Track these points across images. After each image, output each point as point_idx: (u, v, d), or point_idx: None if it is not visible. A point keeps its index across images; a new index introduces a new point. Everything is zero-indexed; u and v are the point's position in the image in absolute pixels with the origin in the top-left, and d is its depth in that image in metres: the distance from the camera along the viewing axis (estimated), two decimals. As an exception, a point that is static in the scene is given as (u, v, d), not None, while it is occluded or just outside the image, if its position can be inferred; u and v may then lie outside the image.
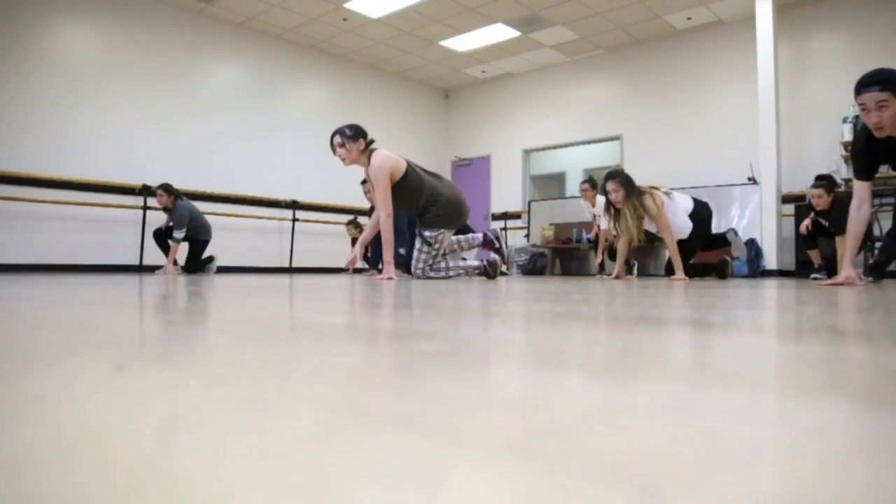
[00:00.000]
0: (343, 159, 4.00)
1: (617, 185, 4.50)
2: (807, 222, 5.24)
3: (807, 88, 7.07)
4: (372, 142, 4.06)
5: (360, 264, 4.40)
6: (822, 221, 5.17)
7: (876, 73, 2.62)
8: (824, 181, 5.20)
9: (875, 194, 5.99)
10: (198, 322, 0.97)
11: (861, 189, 2.92)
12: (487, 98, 10.30)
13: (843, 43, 6.92)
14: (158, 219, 7.08)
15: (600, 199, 6.26)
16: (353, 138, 3.97)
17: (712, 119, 7.81)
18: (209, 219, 7.30)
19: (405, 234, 5.13)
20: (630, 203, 4.47)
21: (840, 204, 4.92)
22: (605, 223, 6.34)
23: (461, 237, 4.28)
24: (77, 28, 6.71)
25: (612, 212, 4.64)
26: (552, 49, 8.79)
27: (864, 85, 2.62)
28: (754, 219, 6.78)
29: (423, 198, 3.99)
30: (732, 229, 5.40)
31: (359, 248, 4.17)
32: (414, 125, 10.23)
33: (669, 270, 4.83)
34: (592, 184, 6.35)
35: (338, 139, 3.98)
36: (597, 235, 6.39)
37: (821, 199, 5.09)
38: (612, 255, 6.27)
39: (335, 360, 0.54)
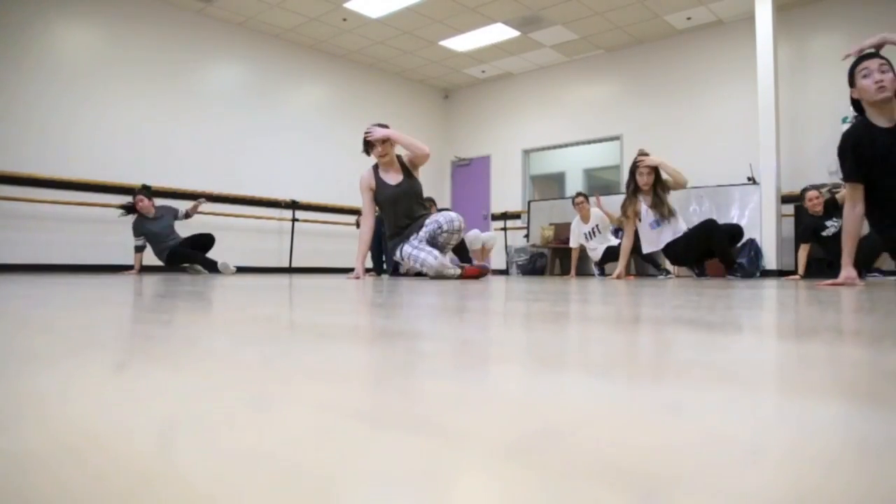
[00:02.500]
0: (384, 155, 4.04)
1: (652, 170, 4.67)
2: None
3: (807, 88, 7.07)
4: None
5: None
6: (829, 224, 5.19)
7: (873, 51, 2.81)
8: (813, 186, 5.39)
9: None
10: (197, 322, 0.97)
11: (853, 190, 2.90)
12: (487, 98, 10.30)
13: (843, 43, 6.91)
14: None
15: (595, 213, 6.28)
16: None
17: (712, 119, 7.81)
18: (209, 219, 7.35)
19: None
20: (655, 188, 4.69)
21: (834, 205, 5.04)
22: (575, 240, 6.38)
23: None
24: (76, 27, 6.71)
25: (634, 190, 4.76)
26: (552, 49, 8.79)
27: (865, 57, 2.78)
28: (754, 219, 6.78)
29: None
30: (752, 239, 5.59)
31: (360, 266, 4.15)
32: (413, 125, 10.22)
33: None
34: (587, 197, 6.45)
35: (382, 133, 4.04)
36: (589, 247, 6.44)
37: (818, 200, 5.21)
38: (606, 260, 6.28)
39: (335, 360, 0.54)
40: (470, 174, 10.56)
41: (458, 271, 3.90)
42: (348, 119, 9.08)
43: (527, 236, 8.81)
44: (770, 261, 6.51)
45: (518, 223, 9.59)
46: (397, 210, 4.09)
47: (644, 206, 4.75)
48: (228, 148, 7.84)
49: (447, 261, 3.89)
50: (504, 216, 9.86)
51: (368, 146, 4.08)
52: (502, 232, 9.75)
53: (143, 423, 0.31)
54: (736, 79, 7.55)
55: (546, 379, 0.45)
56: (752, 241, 6.62)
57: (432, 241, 3.98)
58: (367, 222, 4.17)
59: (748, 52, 7.11)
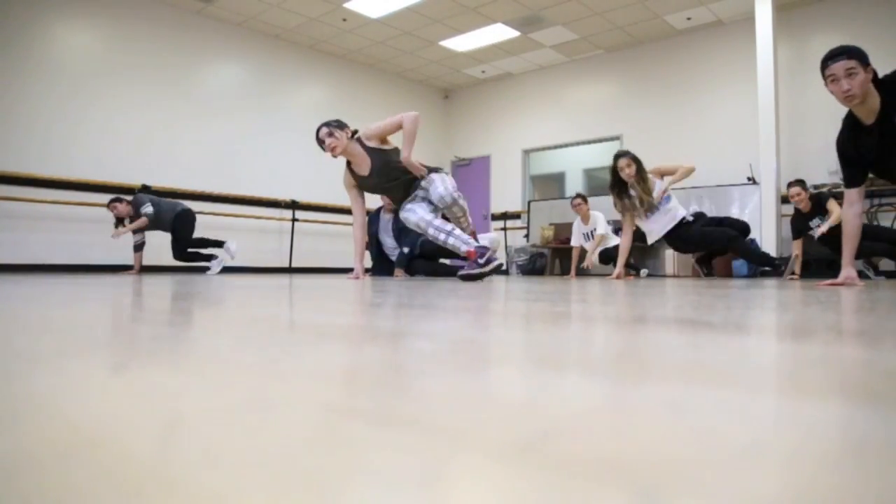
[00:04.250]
0: (333, 149, 3.95)
1: (629, 160, 4.67)
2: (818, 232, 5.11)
3: (806, 88, 7.07)
4: (356, 131, 4.09)
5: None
6: (813, 226, 5.21)
7: (840, 46, 2.71)
8: (798, 182, 5.39)
9: (875, 194, 6.05)
10: (197, 322, 0.97)
11: (850, 194, 2.91)
12: (487, 98, 10.30)
13: (842, 43, 6.91)
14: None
15: (595, 215, 6.24)
16: (339, 127, 4.00)
17: (712, 119, 7.81)
18: (209, 219, 7.33)
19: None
20: (639, 177, 4.66)
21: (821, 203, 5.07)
22: (577, 239, 6.31)
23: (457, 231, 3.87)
24: (76, 29, 6.71)
25: (619, 191, 4.75)
26: (552, 49, 8.79)
27: (830, 57, 2.67)
28: (754, 219, 6.78)
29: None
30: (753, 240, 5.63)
31: (359, 265, 4.10)
32: (414, 125, 10.22)
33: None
34: (584, 198, 6.39)
35: (325, 130, 3.97)
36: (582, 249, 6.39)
37: (800, 197, 5.21)
38: (605, 261, 6.24)
39: (335, 361, 0.54)
40: (470, 174, 10.56)
41: (448, 229, 3.72)
42: (348, 119, 8.93)
43: (527, 236, 8.81)
44: (770, 261, 6.51)
45: (518, 223, 9.59)
46: (387, 190, 4.08)
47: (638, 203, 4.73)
48: (228, 148, 7.84)
49: (433, 218, 3.77)
50: (504, 216, 9.86)
51: (322, 144, 4.00)
52: (502, 232, 9.75)
53: (143, 423, 0.31)
54: (736, 79, 7.55)
55: (546, 379, 0.45)
56: (751, 242, 6.62)
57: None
58: (357, 220, 4.16)
59: (748, 52, 7.10)
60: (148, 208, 5.61)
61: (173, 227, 5.85)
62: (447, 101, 10.85)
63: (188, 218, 5.96)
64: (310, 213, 8.54)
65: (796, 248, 5.34)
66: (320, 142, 4.01)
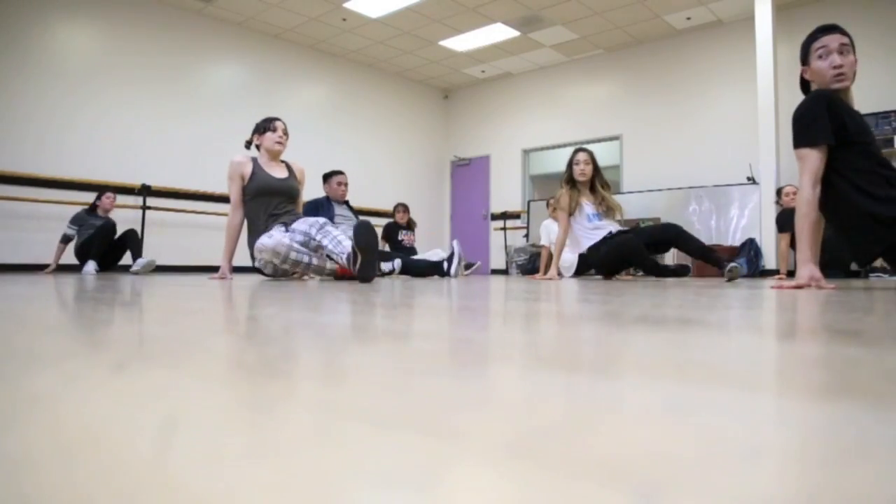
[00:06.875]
0: (283, 147, 4.06)
1: (588, 158, 4.36)
2: None
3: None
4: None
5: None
6: None
7: (832, 23, 2.33)
8: None
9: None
10: (197, 322, 0.97)
11: (816, 161, 2.15)
12: (487, 98, 10.30)
13: (842, 43, 6.91)
14: (160, 218, 7.08)
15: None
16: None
17: (712, 119, 7.82)
18: (210, 219, 7.33)
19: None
20: (591, 182, 4.33)
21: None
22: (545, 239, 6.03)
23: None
24: (76, 28, 6.71)
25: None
26: (551, 49, 8.79)
27: (823, 30, 2.28)
28: (753, 219, 6.78)
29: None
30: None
31: (226, 263, 3.85)
32: (413, 125, 10.24)
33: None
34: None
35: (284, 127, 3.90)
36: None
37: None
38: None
39: (334, 360, 0.54)
40: (469, 174, 10.56)
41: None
42: (348, 119, 9.10)
43: (526, 236, 8.82)
44: (770, 260, 6.52)
45: (518, 223, 9.59)
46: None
47: (584, 200, 4.23)
48: (228, 148, 7.82)
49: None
50: (504, 216, 9.87)
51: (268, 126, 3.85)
52: (502, 231, 9.75)
53: (142, 423, 0.31)
54: (736, 79, 7.55)
55: (545, 378, 0.45)
56: (751, 241, 6.63)
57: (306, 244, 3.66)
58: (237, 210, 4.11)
59: (748, 52, 7.11)
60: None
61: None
62: (447, 100, 10.86)
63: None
64: (310, 213, 8.54)
65: (784, 244, 5.25)
66: (284, 132, 4.06)
